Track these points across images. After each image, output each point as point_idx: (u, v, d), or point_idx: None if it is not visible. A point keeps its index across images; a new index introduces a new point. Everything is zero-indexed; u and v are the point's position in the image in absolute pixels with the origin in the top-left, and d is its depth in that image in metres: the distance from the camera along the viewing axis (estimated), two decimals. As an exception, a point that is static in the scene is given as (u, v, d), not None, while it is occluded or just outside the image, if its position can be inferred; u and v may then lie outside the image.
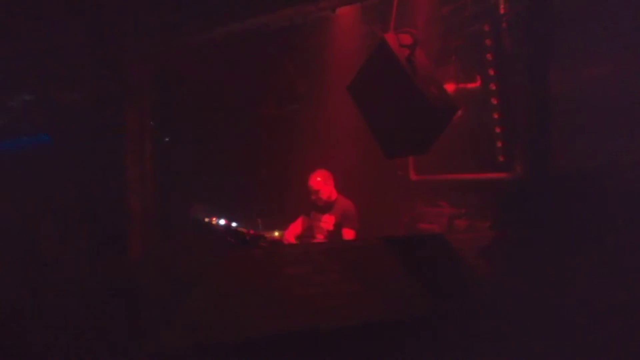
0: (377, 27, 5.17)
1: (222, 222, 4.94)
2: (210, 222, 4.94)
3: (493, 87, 5.12)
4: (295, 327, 2.68)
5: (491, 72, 5.13)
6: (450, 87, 5.44)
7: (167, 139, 5.80)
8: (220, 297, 2.96)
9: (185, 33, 4.64)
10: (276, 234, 4.94)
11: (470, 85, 5.48)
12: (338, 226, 4.80)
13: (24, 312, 3.54)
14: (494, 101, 5.12)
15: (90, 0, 4.06)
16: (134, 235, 5.30)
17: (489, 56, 5.10)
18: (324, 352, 2.61)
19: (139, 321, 3.03)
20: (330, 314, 2.74)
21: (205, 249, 4.10)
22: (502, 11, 4.84)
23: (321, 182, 4.87)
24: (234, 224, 4.97)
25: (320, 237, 4.91)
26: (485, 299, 2.38)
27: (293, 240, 4.93)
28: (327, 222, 4.88)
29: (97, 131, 5.51)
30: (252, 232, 4.84)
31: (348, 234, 4.77)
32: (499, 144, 5.07)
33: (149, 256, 4.81)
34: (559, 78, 3.73)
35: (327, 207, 4.90)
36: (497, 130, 5.10)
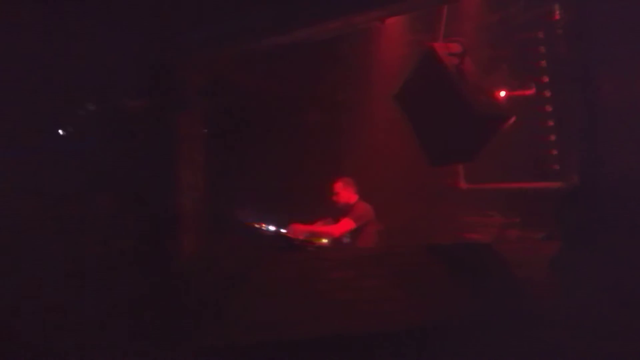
0: (425, 36, 5.17)
1: (270, 227, 5.08)
2: (259, 227, 5.08)
3: (547, 94, 5.02)
4: (338, 329, 2.73)
5: (545, 80, 5.03)
6: (501, 96, 5.36)
7: (219, 146, 6.00)
8: (267, 298, 3.04)
9: (237, 44, 4.81)
10: (323, 240, 5.05)
11: (523, 93, 5.38)
12: (357, 226, 5.13)
13: (72, 309, 3.75)
14: (548, 109, 5.02)
15: (147, 13, 4.28)
16: (186, 238, 5.49)
17: (542, 63, 5.01)
18: (366, 356, 2.64)
19: (189, 319, 3.16)
20: (373, 318, 2.77)
21: (254, 253, 4.21)
22: (556, 17, 4.74)
23: (340, 186, 5.32)
24: (282, 230, 5.08)
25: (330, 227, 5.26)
26: (530, 308, 2.35)
27: (295, 234, 5.18)
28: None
29: (153, 138, 5.76)
30: (299, 237, 4.95)
31: (343, 221, 5.12)
32: (553, 152, 4.96)
33: (200, 259, 4.97)
34: (614, 85, 3.63)
35: (345, 210, 5.27)
36: (551, 138, 4.99)
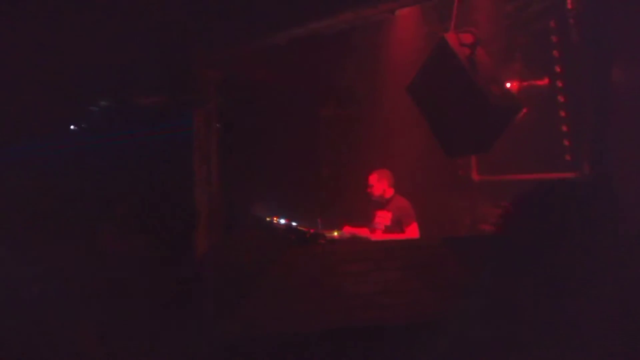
0: (438, 27, 5.14)
1: (282, 221, 5.08)
2: (271, 221, 5.08)
3: (559, 84, 4.98)
4: (352, 323, 2.74)
5: (557, 69, 4.99)
6: (514, 86, 5.33)
7: (234, 141, 6.04)
8: (280, 292, 3.06)
9: (251, 39, 4.83)
10: (335, 233, 5.05)
11: (536, 83, 5.34)
12: (396, 222, 5.01)
13: (90, 304, 3.80)
14: (561, 99, 4.98)
15: (162, 13, 4.32)
16: (200, 231, 5.55)
17: (555, 53, 4.97)
18: (381, 347, 2.66)
19: (204, 313, 3.20)
20: (387, 311, 2.78)
21: (267, 246, 4.24)
22: (569, 7, 4.69)
23: (375, 179, 5.17)
24: (294, 223, 5.09)
25: (378, 232, 5.14)
26: (543, 299, 2.35)
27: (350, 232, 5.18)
28: (383, 217, 5.12)
29: (168, 133, 5.82)
30: (312, 230, 4.96)
31: (412, 228, 4.95)
32: (566, 143, 4.92)
33: (214, 252, 5.02)
34: (626, 75, 3.60)
35: (382, 204, 5.17)
36: (564, 128, 4.95)
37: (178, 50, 4.43)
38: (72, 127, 8.16)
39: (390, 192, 5.15)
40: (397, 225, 5.00)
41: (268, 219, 5.17)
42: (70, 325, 3.64)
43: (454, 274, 3.04)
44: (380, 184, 5.13)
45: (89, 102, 5.87)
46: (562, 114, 4.95)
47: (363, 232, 5.17)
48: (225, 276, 3.88)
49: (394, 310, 2.84)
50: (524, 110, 4.64)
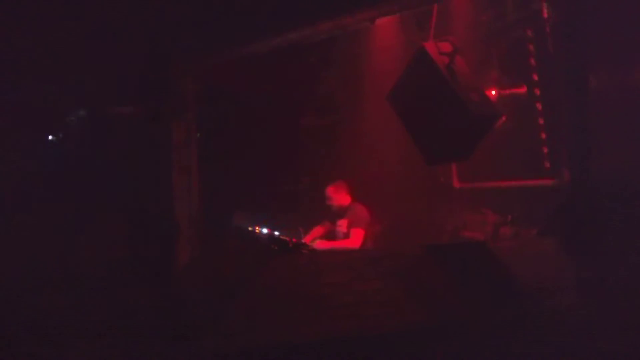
0: (416, 36, 5.18)
1: (264, 230, 5.05)
2: (253, 231, 5.05)
3: (537, 92, 5.04)
4: (335, 333, 2.72)
5: (535, 77, 5.05)
6: (492, 94, 5.38)
7: (213, 152, 6.00)
8: (262, 303, 3.03)
9: (229, 49, 4.82)
10: (318, 242, 5.04)
11: (514, 91, 5.41)
12: (349, 227, 5.22)
13: (65, 313, 3.72)
14: (539, 106, 5.04)
15: (139, 21, 4.28)
16: (180, 242, 5.47)
17: (532, 61, 5.03)
18: (365, 359, 2.64)
19: (184, 326, 3.14)
20: (370, 320, 2.76)
21: (249, 256, 4.19)
22: (545, 15, 4.76)
23: (333, 191, 5.40)
24: (276, 233, 5.06)
25: (336, 241, 5.33)
26: (526, 306, 2.36)
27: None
28: (341, 225, 5.32)
29: (146, 143, 5.73)
30: (294, 240, 4.94)
31: (355, 232, 5.15)
32: (545, 150, 4.97)
33: (195, 263, 4.96)
34: (602, 82, 3.66)
35: (342, 213, 5.37)
36: (542, 135, 5.01)
37: (156, 58, 4.39)
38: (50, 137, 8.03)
39: (347, 200, 5.34)
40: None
41: (250, 228, 5.14)
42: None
43: (435, 281, 3.04)
44: (338, 195, 5.33)
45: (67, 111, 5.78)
46: (540, 121, 5.00)
47: (316, 232, 5.34)
48: (205, 288, 3.83)
49: (375, 320, 2.82)
50: (503, 117, 4.69)
